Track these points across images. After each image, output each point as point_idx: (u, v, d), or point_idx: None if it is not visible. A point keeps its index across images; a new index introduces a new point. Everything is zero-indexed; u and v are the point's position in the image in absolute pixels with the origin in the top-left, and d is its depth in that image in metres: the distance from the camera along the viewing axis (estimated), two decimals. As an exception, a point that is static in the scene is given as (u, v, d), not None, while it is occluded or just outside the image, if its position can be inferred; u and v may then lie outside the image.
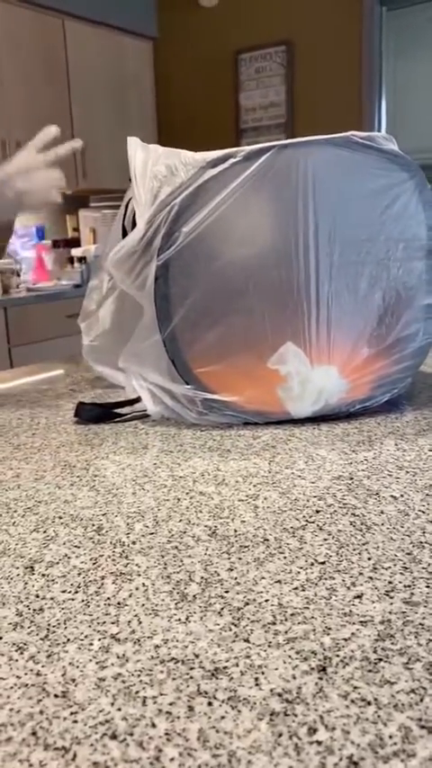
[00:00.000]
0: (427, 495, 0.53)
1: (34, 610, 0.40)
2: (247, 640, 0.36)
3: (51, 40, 3.27)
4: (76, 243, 3.56)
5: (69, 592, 0.42)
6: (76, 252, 3.20)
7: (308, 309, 0.71)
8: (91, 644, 0.36)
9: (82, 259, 3.26)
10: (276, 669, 0.33)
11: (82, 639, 0.37)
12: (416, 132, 3.59)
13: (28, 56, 3.18)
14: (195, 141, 3.64)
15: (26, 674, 0.34)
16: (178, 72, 3.74)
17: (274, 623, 0.37)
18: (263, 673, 0.33)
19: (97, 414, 0.79)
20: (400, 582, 0.41)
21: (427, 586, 0.40)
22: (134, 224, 0.73)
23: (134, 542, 0.48)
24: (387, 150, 0.73)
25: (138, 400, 0.79)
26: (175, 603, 0.40)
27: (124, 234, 0.79)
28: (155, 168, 0.72)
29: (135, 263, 0.73)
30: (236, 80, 3.51)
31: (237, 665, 0.34)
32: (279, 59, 3.37)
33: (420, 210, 0.75)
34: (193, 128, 3.75)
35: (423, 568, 0.42)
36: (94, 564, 0.45)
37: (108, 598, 0.41)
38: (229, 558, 0.45)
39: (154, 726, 0.30)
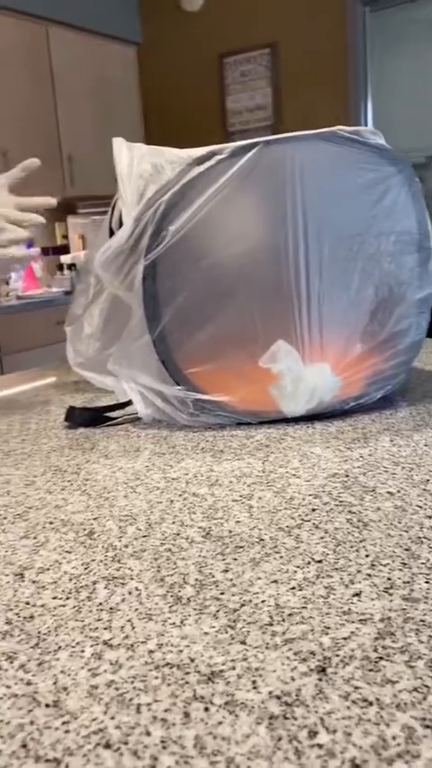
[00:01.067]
0: (424, 489, 0.52)
1: (24, 618, 0.39)
2: (243, 642, 0.35)
3: (35, 47, 3.27)
4: (65, 250, 3.55)
5: (60, 598, 0.41)
6: (65, 259, 3.19)
7: (299, 307, 0.70)
8: (83, 651, 0.35)
9: (71, 266, 3.25)
10: (274, 671, 0.32)
11: (74, 647, 0.36)
12: (401, 132, 3.60)
13: (12, 64, 3.18)
14: (183, 146, 3.64)
15: (16, 683, 0.33)
16: (164, 77, 3.74)
17: (272, 624, 0.36)
18: (260, 675, 0.32)
19: (88, 418, 0.78)
20: (399, 578, 0.40)
21: (427, 582, 0.39)
22: (121, 224, 0.73)
23: (126, 546, 0.47)
24: (374, 144, 0.72)
25: (129, 403, 0.77)
26: (169, 607, 0.39)
27: (111, 235, 0.78)
28: (140, 167, 0.72)
29: (123, 263, 0.72)
30: (222, 83, 3.51)
31: (233, 668, 0.33)
32: (264, 62, 3.38)
33: (410, 204, 0.74)
34: (180, 132, 3.75)
35: (422, 564, 0.41)
36: (85, 569, 0.44)
37: (100, 603, 0.40)
38: (224, 560, 0.44)
39: (149, 734, 0.29)
